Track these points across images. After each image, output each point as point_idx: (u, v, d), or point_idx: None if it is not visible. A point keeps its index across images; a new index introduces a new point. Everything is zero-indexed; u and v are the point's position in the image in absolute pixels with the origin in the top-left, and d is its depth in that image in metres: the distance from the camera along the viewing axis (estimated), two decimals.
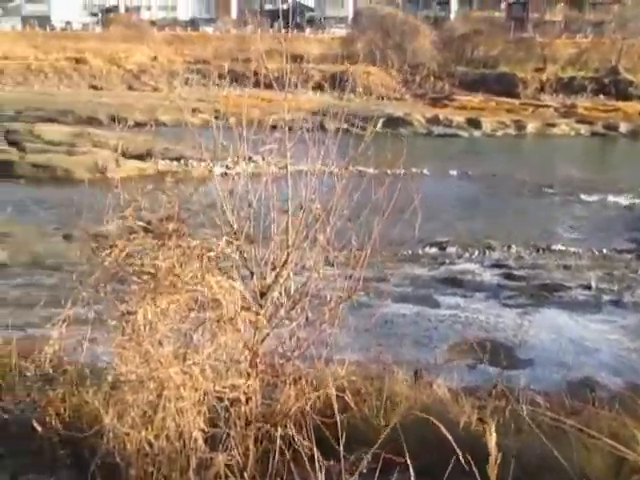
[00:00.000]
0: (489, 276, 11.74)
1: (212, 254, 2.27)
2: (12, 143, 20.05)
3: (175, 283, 2.13)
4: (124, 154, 17.49)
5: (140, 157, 16.28)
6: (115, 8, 76.07)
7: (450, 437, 2.02)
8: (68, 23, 67.35)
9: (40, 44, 49.47)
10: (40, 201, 9.60)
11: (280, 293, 2.68)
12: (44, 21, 66.43)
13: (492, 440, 1.95)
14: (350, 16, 63.04)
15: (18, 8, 72.81)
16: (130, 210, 2.33)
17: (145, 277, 2.11)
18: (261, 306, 2.60)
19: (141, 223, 2.13)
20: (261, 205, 3.13)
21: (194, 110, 25.62)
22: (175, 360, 2.21)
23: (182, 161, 18.06)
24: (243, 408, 2.57)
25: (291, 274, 2.75)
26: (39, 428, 3.19)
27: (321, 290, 2.84)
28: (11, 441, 3.36)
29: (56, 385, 3.45)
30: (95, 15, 73.73)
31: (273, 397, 2.72)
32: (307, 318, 2.66)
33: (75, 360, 3.67)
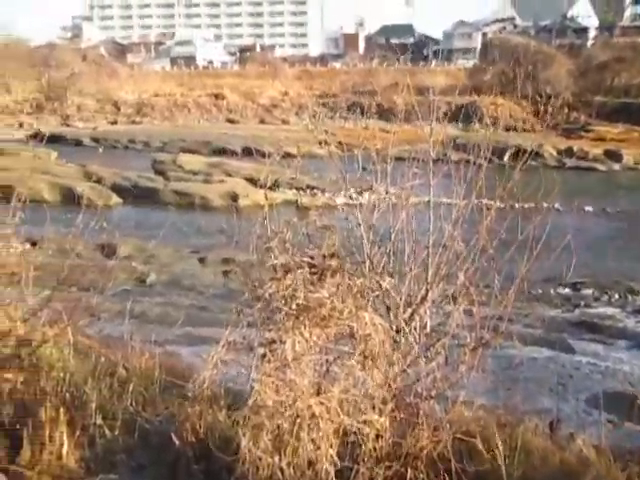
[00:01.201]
0: (633, 323, 10.65)
1: (364, 288, 2.28)
2: (158, 172, 22.02)
3: (325, 316, 2.17)
4: (255, 183, 18.47)
5: (268, 186, 17.07)
6: (252, 47, 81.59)
7: None
8: (210, 62, 73.30)
9: (185, 82, 54.38)
10: (179, 226, 10.35)
11: (416, 329, 2.63)
12: (190, 61, 73.02)
13: None
14: (478, 47, 62.12)
15: (168, 50, 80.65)
16: (277, 242, 2.43)
17: (295, 307, 2.18)
18: (397, 342, 2.57)
19: (306, 259, 2.20)
20: (394, 236, 3.13)
21: (320, 142, 26.48)
22: (313, 390, 2.24)
23: (308, 191, 18.69)
24: (374, 445, 2.52)
25: (428, 311, 2.69)
26: (177, 442, 3.34)
27: (460, 329, 2.74)
28: (152, 452, 3.57)
29: (194, 402, 3.63)
30: (233, 54, 79.58)
31: (404, 436, 2.64)
32: (446, 359, 2.57)
33: (213, 379, 3.86)
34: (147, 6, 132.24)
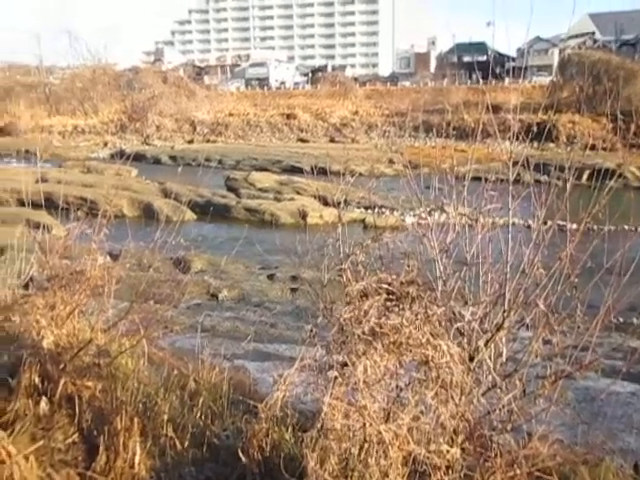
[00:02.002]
0: None
1: (442, 317, 2.23)
2: (231, 189, 22.67)
3: (400, 342, 2.13)
4: (324, 202, 18.62)
5: (337, 204, 17.17)
6: (323, 68, 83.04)
7: None
8: (282, 83, 75.14)
9: (259, 102, 55.97)
10: (250, 242, 10.54)
11: (491, 358, 2.53)
12: (263, 82, 75.29)
13: None
14: (555, 63, 60.15)
15: (243, 71, 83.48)
16: (349, 263, 2.41)
17: (369, 332, 2.15)
18: (470, 370, 2.48)
19: (384, 285, 2.18)
20: (470, 259, 3.04)
21: (389, 161, 26.37)
22: (383, 416, 2.19)
23: (376, 210, 18.61)
24: (444, 476, 2.43)
25: (504, 339, 2.58)
26: (243, 458, 3.35)
27: (538, 359, 2.61)
28: (219, 466, 3.62)
29: (261, 419, 3.65)
30: (305, 75, 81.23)
31: (476, 469, 2.53)
32: (524, 391, 2.45)
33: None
34: (224, 30, 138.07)
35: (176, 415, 3.72)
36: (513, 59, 70.58)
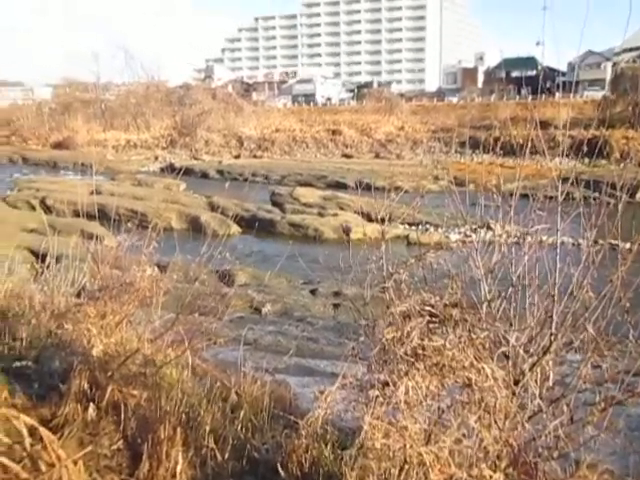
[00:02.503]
0: None
1: (485, 340, 2.19)
2: (276, 204, 22.94)
3: (442, 364, 2.11)
4: (368, 218, 18.59)
5: (381, 220, 17.10)
6: (369, 84, 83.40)
7: None
8: (328, 99, 75.84)
9: (305, 118, 56.59)
10: (293, 257, 10.62)
11: (537, 382, 2.46)
12: (310, 98, 76.20)
13: None
14: (608, 77, 58.47)
15: (290, 88, 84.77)
16: (392, 282, 2.41)
17: (411, 352, 2.14)
18: (515, 394, 2.42)
19: (427, 307, 2.17)
20: (515, 280, 2.97)
21: (434, 177, 26.19)
22: (423, 437, 2.16)
23: (420, 226, 18.46)
24: None
25: (551, 363, 2.51)
26: (282, 473, 3.36)
27: (587, 384, 2.52)
28: None
29: (300, 434, 3.65)
30: (351, 91, 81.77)
31: None
32: (572, 417, 2.37)
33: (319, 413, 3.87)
34: (273, 48, 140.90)
35: (218, 427, 3.76)
36: (563, 73, 69.06)
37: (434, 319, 2.18)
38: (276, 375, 6.13)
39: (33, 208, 21.94)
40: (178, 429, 3.35)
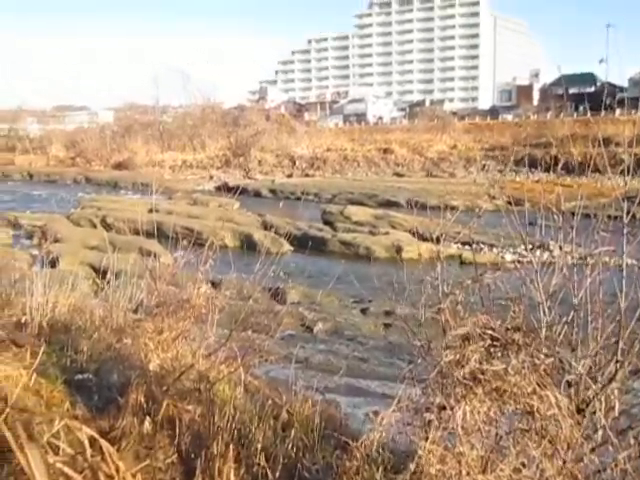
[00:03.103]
0: None
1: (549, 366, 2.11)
2: (327, 222, 23.03)
3: (503, 390, 2.04)
4: (420, 236, 18.38)
5: (436, 240, 16.86)
6: (421, 102, 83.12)
7: None
8: (380, 118, 75.99)
9: (356, 137, 56.91)
10: (344, 275, 10.59)
11: (602, 412, 2.34)
12: (361, 117, 76.61)
13: None
14: None
15: (341, 108, 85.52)
16: (448, 303, 2.36)
17: (470, 376, 2.08)
18: (579, 423, 2.30)
19: (490, 332, 2.11)
20: (577, 302, 2.85)
21: (489, 196, 25.70)
22: (481, 464, 2.09)
23: (474, 246, 18.07)
24: None
25: (616, 392, 2.38)
26: None
27: None
28: None
29: (352, 456, 3.60)
30: (403, 110, 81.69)
31: None
32: None
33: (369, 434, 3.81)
34: (325, 69, 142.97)
35: (269, 445, 3.76)
36: (622, 89, 66.68)
37: (495, 343, 2.11)
38: (327, 394, 6.10)
39: (94, 226, 22.88)
40: (231, 446, 3.37)
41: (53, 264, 13.71)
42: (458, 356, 2.08)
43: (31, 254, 13.97)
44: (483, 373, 2.05)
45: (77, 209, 26.88)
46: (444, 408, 2.14)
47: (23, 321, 4.80)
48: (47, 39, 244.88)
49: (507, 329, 2.16)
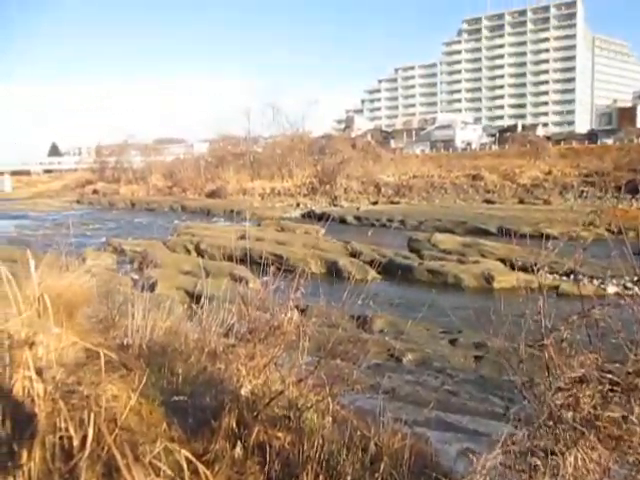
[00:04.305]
0: None
1: None
2: (413, 250, 22.71)
3: (621, 437, 1.88)
4: (511, 266, 17.66)
5: (526, 269, 16.12)
6: (512, 127, 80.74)
7: None
8: (468, 144, 74.56)
9: (444, 164, 56.18)
10: (431, 304, 10.35)
11: None
12: (448, 144, 75.59)
13: None
14: None
15: (428, 134, 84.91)
16: (552, 340, 2.22)
17: (582, 421, 1.93)
18: None
19: (609, 375, 1.97)
20: None
21: (587, 223, 24.32)
22: None
23: (571, 276, 17.07)
24: None
25: None
26: None
27: None
28: None
29: None
30: (493, 135, 79.71)
31: None
32: None
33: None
34: (412, 96, 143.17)
35: (357, 477, 3.69)
36: None
37: (615, 388, 1.94)
38: (415, 428, 5.92)
39: (189, 252, 24.00)
40: (320, 477, 3.34)
41: (151, 288, 14.49)
42: (570, 399, 1.93)
43: (132, 278, 14.85)
44: (598, 418, 1.89)
45: (173, 236, 28.34)
46: (552, 453, 1.99)
47: (125, 343, 5.06)
48: (150, 78, 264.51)
49: (628, 373, 1.98)
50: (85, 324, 4.75)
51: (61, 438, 2.16)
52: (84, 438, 2.04)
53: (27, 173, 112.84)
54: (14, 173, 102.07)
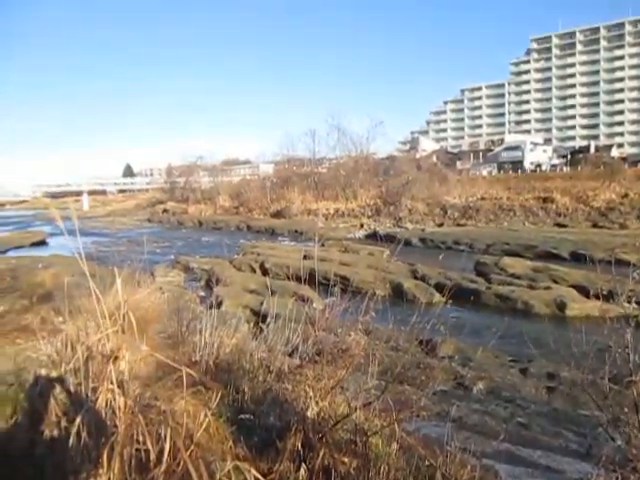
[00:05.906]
0: None
1: None
2: (480, 274, 22.09)
3: None
4: (585, 293, 16.84)
5: (603, 297, 15.30)
6: (585, 148, 77.74)
7: None
8: (538, 165, 72.27)
9: (512, 185, 54.62)
10: (500, 331, 9.98)
11: None
12: (517, 165, 73.59)
13: None
14: None
15: (496, 155, 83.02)
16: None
17: None
18: None
19: None
20: None
21: None
22: None
23: None
24: None
25: None
26: None
27: None
28: None
29: None
30: (564, 157, 76.97)
31: None
32: None
33: None
34: (478, 117, 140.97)
35: None
36: None
37: None
38: (484, 460, 5.70)
39: (254, 271, 24.41)
40: None
41: (218, 306, 14.82)
42: None
43: (199, 295, 15.26)
44: None
45: (239, 254, 28.95)
46: None
47: (193, 360, 5.17)
48: (217, 99, 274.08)
49: None
50: (156, 339, 4.90)
51: (138, 450, 2.22)
52: (160, 452, 2.09)
53: (103, 193, 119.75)
54: (91, 192, 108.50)
